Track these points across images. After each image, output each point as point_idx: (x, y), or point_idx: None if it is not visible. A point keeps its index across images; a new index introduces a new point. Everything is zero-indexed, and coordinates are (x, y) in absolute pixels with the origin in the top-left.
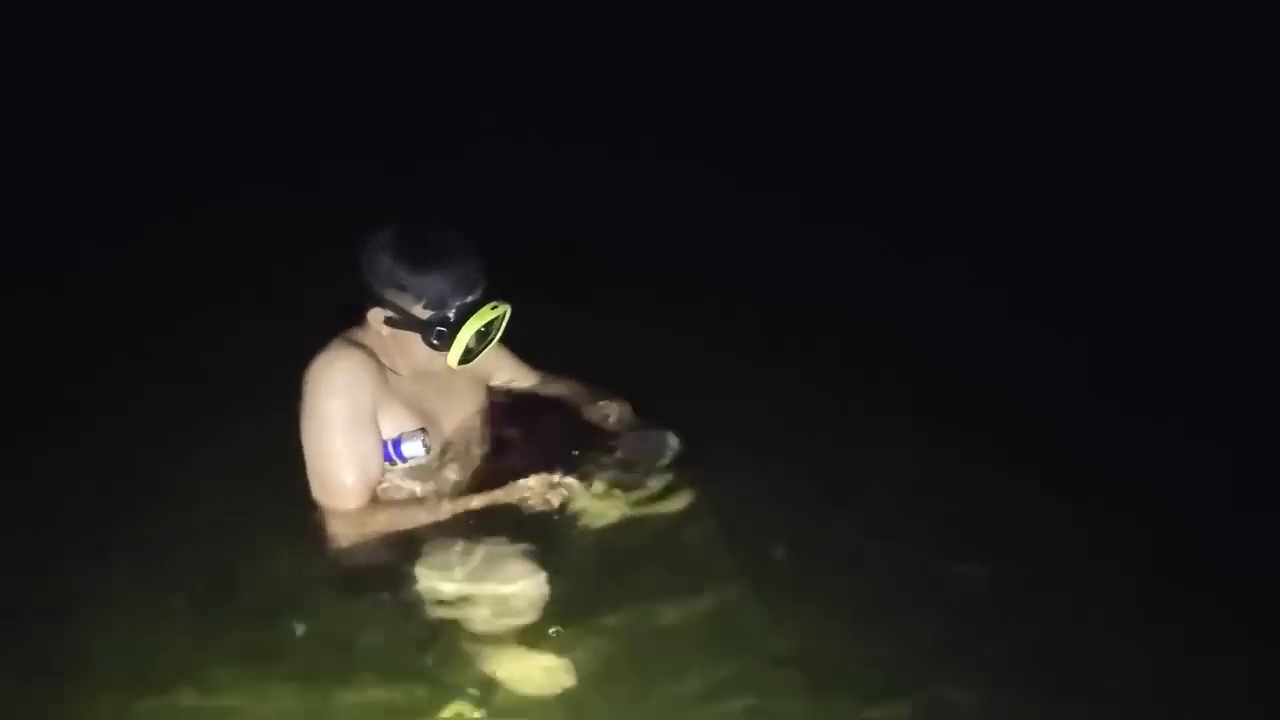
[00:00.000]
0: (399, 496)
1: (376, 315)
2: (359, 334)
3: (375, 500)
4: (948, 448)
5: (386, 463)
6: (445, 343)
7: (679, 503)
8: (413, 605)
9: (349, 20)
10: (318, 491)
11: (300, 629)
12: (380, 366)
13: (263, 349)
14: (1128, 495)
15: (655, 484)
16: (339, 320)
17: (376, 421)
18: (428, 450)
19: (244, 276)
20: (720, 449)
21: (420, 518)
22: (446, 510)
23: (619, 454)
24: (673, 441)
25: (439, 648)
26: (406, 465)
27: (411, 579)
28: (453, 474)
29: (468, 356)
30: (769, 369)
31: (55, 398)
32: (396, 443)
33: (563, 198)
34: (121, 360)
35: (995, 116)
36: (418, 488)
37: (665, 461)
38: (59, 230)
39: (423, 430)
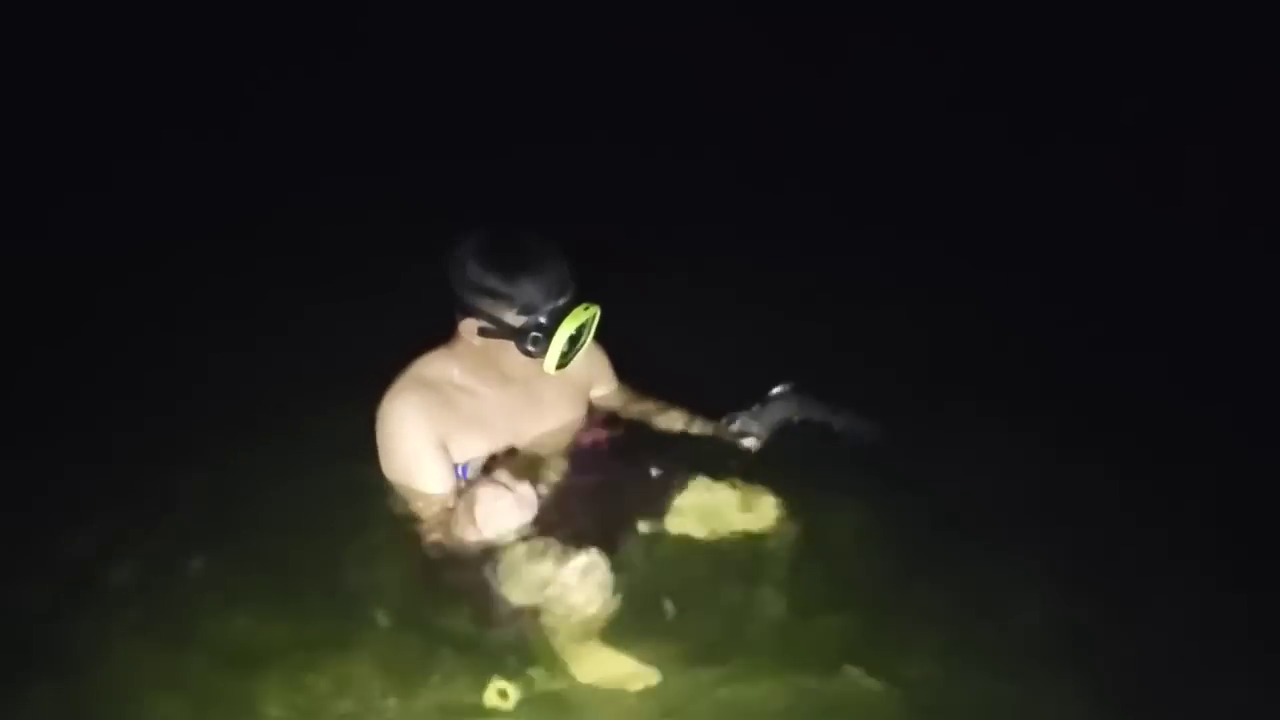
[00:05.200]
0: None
1: (469, 326)
2: (430, 361)
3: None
4: (1030, 455)
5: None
6: (541, 348)
7: (763, 520)
8: (490, 600)
9: (370, 29)
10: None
11: (378, 621)
12: (447, 399)
13: (312, 349)
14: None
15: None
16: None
17: (447, 450)
18: None
19: (276, 282)
20: (804, 461)
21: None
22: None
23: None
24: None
25: (514, 643)
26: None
27: (486, 573)
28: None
29: (563, 360)
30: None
31: (123, 395)
32: (464, 468)
33: (572, 199)
34: (183, 360)
35: (1073, 131)
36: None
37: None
38: (101, 241)
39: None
